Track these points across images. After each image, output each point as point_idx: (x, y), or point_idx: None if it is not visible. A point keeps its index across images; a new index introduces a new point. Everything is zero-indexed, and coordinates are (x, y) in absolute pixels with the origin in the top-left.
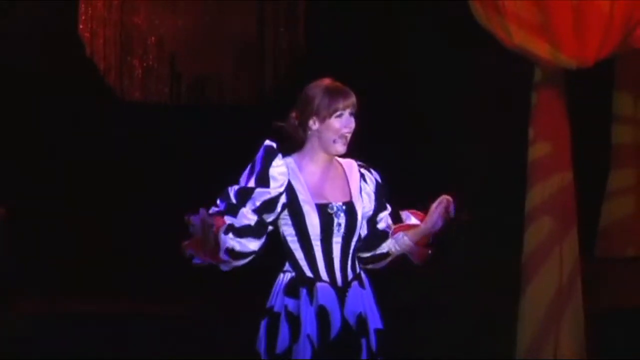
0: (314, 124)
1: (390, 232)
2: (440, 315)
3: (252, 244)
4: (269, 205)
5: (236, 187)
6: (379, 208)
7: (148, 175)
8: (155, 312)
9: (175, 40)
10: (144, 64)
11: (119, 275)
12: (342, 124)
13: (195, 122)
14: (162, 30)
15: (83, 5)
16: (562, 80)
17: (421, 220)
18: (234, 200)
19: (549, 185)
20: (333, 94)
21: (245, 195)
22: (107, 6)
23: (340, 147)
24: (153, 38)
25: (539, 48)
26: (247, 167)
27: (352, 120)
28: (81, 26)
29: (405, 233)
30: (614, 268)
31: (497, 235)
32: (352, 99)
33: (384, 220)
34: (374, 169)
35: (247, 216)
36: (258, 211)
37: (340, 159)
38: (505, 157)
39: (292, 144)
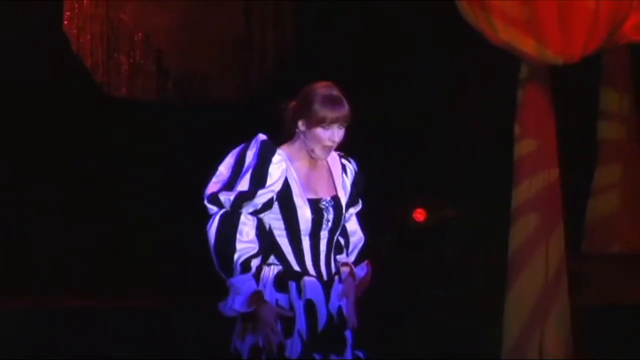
0: (302, 126)
1: (344, 256)
2: (425, 313)
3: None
4: (269, 203)
5: (231, 194)
6: (350, 202)
7: (134, 171)
8: (153, 308)
9: (162, 37)
10: (131, 61)
11: (112, 272)
12: (327, 135)
13: (182, 119)
14: (149, 26)
15: (69, 2)
16: (548, 77)
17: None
18: (228, 209)
19: (535, 182)
20: (324, 105)
21: (243, 200)
22: (93, 3)
23: (321, 155)
24: (140, 34)
25: (525, 44)
26: (230, 160)
27: (340, 133)
28: (67, 22)
29: (349, 271)
30: (600, 264)
31: (483, 232)
32: (343, 112)
33: (351, 217)
34: (353, 159)
35: (246, 224)
36: (257, 212)
37: None
38: (491, 154)
39: (281, 135)
